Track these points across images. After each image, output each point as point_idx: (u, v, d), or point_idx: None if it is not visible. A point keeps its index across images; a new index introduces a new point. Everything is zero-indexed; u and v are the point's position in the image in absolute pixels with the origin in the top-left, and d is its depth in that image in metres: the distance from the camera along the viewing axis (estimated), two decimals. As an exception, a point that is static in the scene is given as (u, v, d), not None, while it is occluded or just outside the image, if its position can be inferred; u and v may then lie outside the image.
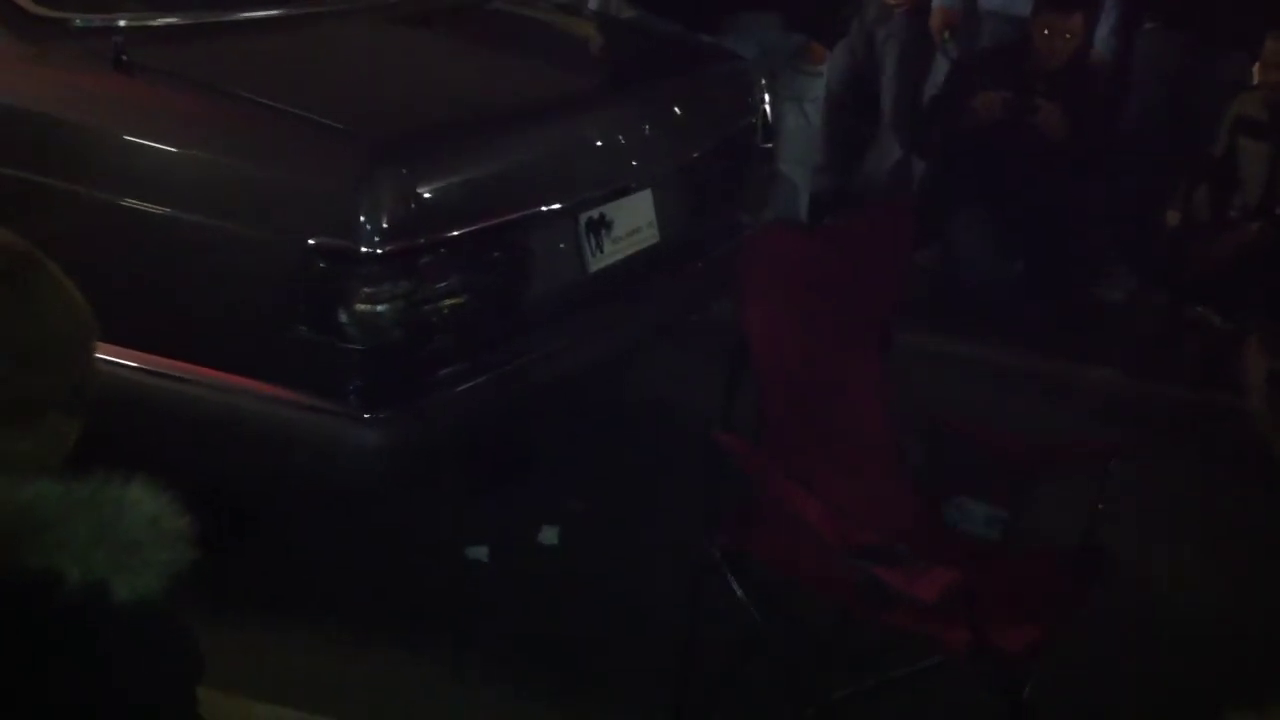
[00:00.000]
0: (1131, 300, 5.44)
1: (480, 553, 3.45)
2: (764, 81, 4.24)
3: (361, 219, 2.74)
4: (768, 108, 4.14)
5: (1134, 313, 5.37)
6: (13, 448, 1.43)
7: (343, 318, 2.76)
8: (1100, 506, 2.67)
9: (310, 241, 2.74)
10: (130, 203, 2.87)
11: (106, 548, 1.37)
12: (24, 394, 1.44)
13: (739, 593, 2.65)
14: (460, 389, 2.97)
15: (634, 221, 3.47)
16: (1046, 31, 5.16)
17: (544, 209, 3.17)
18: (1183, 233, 5.32)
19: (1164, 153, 5.47)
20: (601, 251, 3.35)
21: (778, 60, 4.85)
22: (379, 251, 2.73)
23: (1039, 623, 2.53)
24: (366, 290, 2.75)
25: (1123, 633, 3.25)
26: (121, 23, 3.14)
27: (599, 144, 3.39)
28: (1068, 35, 5.16)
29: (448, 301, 2.92)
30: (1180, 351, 4.94)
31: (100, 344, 1.56)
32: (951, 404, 3.02)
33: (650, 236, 3.52)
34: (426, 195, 2.84)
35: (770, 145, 4.22)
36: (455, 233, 2.89)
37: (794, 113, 4.94)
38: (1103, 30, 5.46)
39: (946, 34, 5.74)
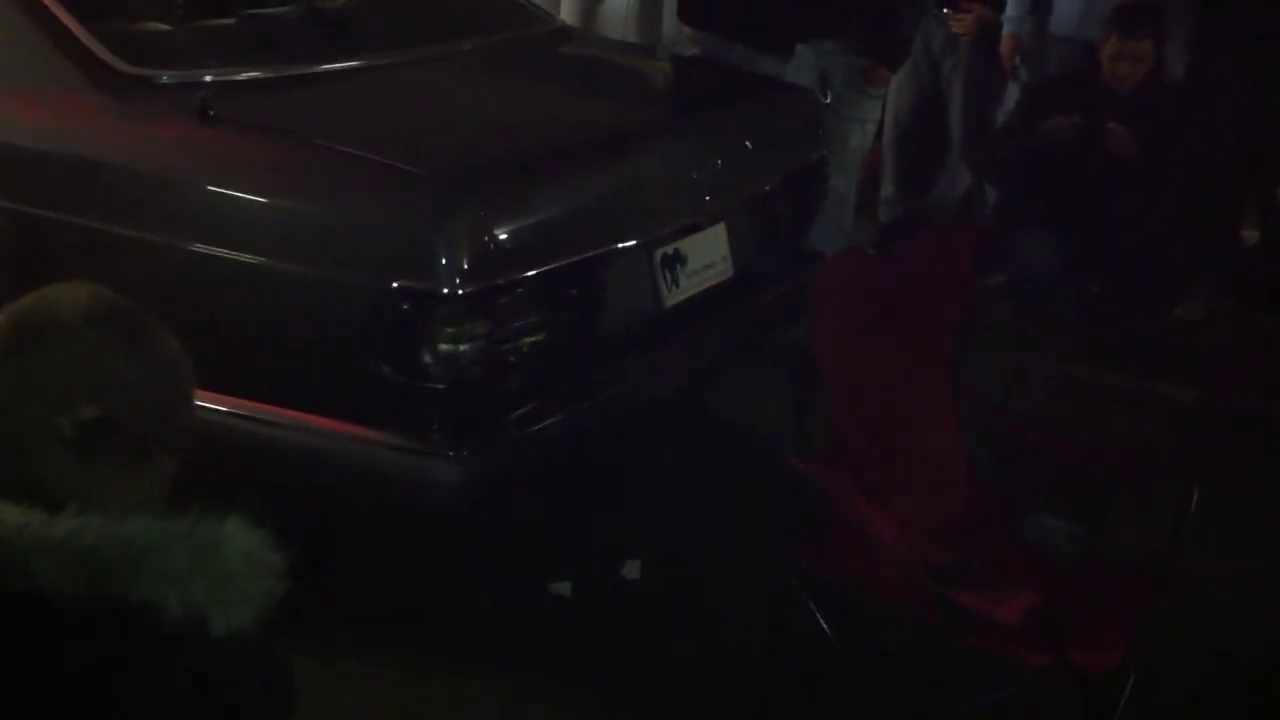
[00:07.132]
0: (1210, 316, 5.40)
1: (563, 587, 3.47)
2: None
3: (442, 261, 2.79)
4: None
5: (1213, 328, 5.33)
6: (125, 488, 1.48)
7: (425, 358, 2.81)
8: (1185, 524, 2.66)
9: (393, 285, 2.79)
10: (218, 251, 2.93)
11: (205, 580, 1.40)
12: (137, 435, 1.49)
13: (818, 616, 2.67)
14: (541, 424, 3.01)
15: (709, 256, 3.51)
16: (1116, 56, 5.14)
17: (619, 246, 3.22)
18: (1261, 247, 5.28)
19: (1240, 168, 5.43)
20: (677, 286, 3.39)
21: (838, 83, 4.86)
22: (460, 292, 2.78)
23: (1122, 641, 2.52)
24: (448, 330, 2.80)
25: (1203, 651, 3.22)
26: (207, 78, 3.23)
27: (672, 180, 3.42)
28: (1137, 59, 5.14)
29: (527, 339, 2.96)
30: (1259, 365, 4.89)
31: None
32: (1028, 421, 3.00)
33: (725, 270, 3.56)
34: (504, 236, 2.90)
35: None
36: (533, 271, 2.94)
37: (856, 134, 4.94)
38: (1174, 49, 5.43)
39: (1018, 59, 5.73)
